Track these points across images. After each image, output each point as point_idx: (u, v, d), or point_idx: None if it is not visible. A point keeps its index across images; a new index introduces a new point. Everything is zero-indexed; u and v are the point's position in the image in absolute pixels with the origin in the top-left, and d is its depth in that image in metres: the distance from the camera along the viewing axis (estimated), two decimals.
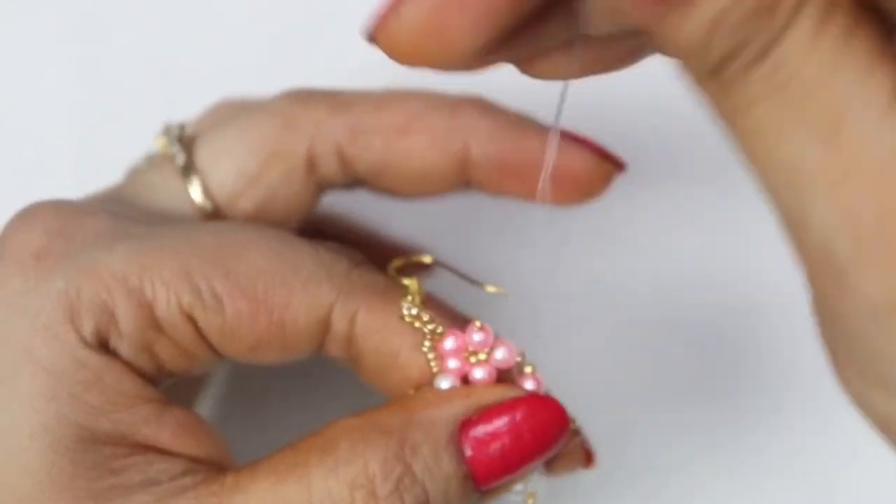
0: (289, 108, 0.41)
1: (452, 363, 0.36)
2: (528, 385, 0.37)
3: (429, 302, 0.37)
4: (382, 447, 0.34)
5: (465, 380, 0.37)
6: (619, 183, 0.53)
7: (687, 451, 0.51)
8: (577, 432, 0.37)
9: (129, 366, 0.35)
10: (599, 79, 0.47)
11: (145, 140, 0.56)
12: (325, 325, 0.36)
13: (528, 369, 0.37)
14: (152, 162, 0.42)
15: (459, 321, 0.37)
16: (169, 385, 0.39)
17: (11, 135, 0.56)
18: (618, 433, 0.51)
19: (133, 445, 0.35)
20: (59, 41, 0.57)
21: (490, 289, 0.38)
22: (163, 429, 0.35)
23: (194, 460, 0.35)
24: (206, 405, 0.51)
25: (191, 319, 0.35)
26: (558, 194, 0.41)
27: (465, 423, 0.35)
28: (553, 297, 0.53)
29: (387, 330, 0.36)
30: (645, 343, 0.52)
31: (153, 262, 0.35)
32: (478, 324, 0.36)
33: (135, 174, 0.42)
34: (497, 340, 0.37)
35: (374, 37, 0.32)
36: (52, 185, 0.55)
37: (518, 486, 0.37)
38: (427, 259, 0.38)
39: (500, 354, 0.36)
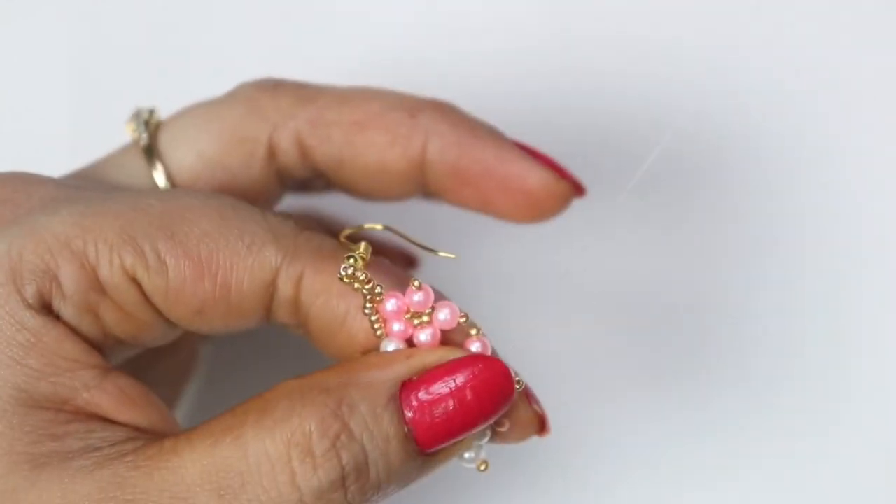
0: (254, 95, 0.41)
1: (396, 326, 0.36)
2: (475, 347, 0.36)
3: (373, 265, 0.36)
4: (320, 406, 0.34)
5: (411, 343, 0.36)
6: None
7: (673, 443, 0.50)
8: (524, 393, 0.36)
9: (72, 329, 0.35)
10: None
11: None
12: (271, 290, 0.36)
13: (473, 331, 0.36)
14: (123, 148, 0.42)
15: (404, 284, 0.36)
16: (126, 359, 0.39)
17: (9, 136, 0.57)
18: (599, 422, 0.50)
19: (74, 411, 0.35)
20: (57, 42, 0.58)
21: (442, 253, 0.37)
22: (104, 395, 0.35)
23: (137, 429, 0.35)
24: (190, 396, 0.51)
25: (134, 281, 0.35)
26: (511, 209, 0.41)
27: (407, 385, 0.34)
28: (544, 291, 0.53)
29: (331, 292, 0.36)
30: (630, 337, 0.51)
31: (97, 224, 0.35)
32: (416, 283, 0.36)
33: (104, 156, 0.42)
34: (440, 302, 0.36)
35: None
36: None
37: (469, 454, 0.36)
38: (378, 226, 0.38)
39: (442, 315, 0.36)
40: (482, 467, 0.37)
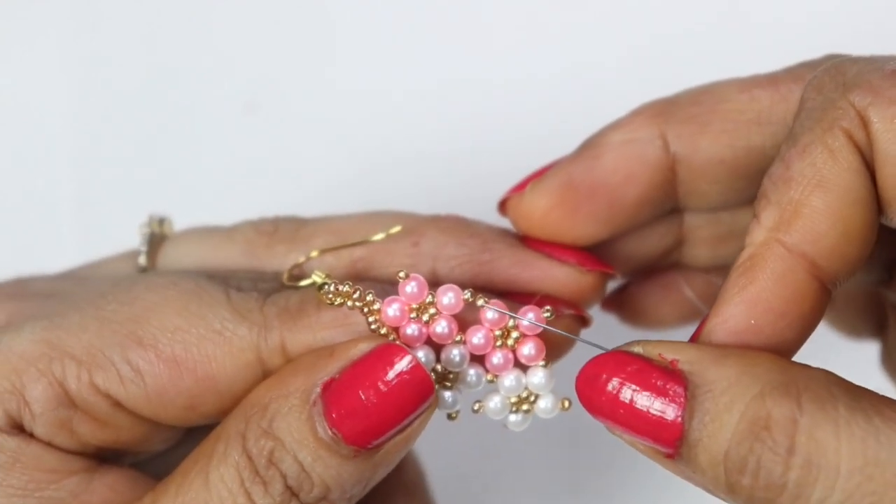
0: (252, 239, 0.40)
1: (410, 330, 0.35)
2: (490, 315, 0.35)
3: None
4: (255, 425, 0.34)
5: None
6: None
7: None
8: (549, 311, 0.35)
9: (47, 444, 0.36)
10: None
11: (142, 160, 0.57)
12: (258, 366, 0.36)
13: (480, 302, 0.35)
14: (125, 253, 0.42)
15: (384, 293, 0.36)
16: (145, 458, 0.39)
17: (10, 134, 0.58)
18: None
19: None
20: (59, 67, 0.59)
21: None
22: (94, 497, 0.36)
23: None
24: None
25: (105, 394, 0.35)
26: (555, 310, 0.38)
27: (329, 385, 0.34)
28: None
29: (317, 339, 0.35)
30: None
31: (61, 340, 0.35)
32: (401, 274, 0.35)
33: (101, 260, 0.42)
34: (441, 287, 0.35)
35: (503, 208, 0.40)
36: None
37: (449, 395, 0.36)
38: (314, 253, 0.38)
39: (446, 300, 0.35)
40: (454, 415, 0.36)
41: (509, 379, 0.36)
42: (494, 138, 0.56)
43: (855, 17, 0.55)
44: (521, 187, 0.39)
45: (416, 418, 0.34)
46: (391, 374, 0.33)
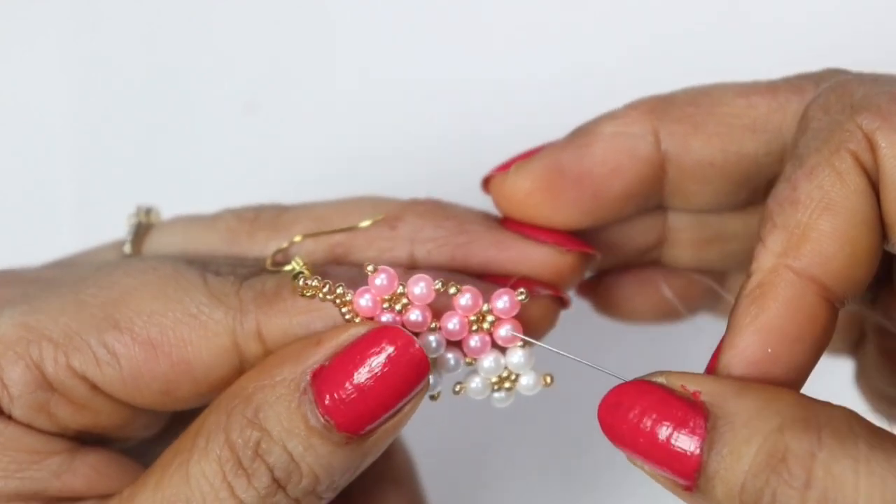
0: (233, 227, 0.40)
1: (385, 318, 0.35)
2: (463, 301, 0.35)
3: (323, 273, 0.36)
4: (239, 416, 0.34)
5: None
6: None
7: None
8: (523, 293, 0.35)
9: (26, 426, 0.36)
10: None
11: (142, 159, 0.57)
12: (234, 350, 0.36)
13: (452, 290, 0.35)
14: (112, 242, 0.42)
15: (361, 279, 0.36)
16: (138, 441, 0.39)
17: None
18: None
19: (47, 499, 0.36)
20: (60, 66, 0.59)
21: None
22: (76, 477, 0.36)
23: (106, 496, 0.36)
24: None
25: (83, 377, 0.35)
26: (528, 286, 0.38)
27: (319, 372, 0.34)
28: None
29: (293, 323, 0.35)
30: None
31: (39, 323, 0.35)
32: (370, 268, 0.35)
33: (89, 249, 0.42)
34: (412, 277, 0.35)
35: (486, 186, 0.40)
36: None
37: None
38: (297, 238, 0.38)
39: (417, 290, 0.35)
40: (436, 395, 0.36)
41: (488, 360, 0.36)
42: (495, 138, 0.56)
43: (855, 17, 0.55)
44: (506, 167, 0.39)
45: (410, 399, 0.34)
46: (386, 356, 0.33)
